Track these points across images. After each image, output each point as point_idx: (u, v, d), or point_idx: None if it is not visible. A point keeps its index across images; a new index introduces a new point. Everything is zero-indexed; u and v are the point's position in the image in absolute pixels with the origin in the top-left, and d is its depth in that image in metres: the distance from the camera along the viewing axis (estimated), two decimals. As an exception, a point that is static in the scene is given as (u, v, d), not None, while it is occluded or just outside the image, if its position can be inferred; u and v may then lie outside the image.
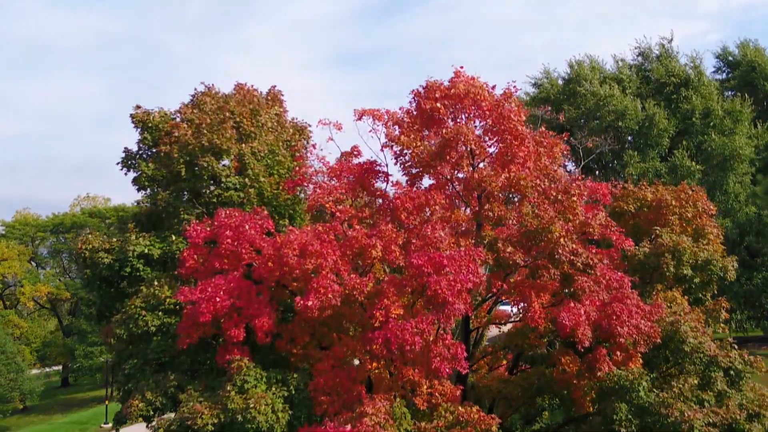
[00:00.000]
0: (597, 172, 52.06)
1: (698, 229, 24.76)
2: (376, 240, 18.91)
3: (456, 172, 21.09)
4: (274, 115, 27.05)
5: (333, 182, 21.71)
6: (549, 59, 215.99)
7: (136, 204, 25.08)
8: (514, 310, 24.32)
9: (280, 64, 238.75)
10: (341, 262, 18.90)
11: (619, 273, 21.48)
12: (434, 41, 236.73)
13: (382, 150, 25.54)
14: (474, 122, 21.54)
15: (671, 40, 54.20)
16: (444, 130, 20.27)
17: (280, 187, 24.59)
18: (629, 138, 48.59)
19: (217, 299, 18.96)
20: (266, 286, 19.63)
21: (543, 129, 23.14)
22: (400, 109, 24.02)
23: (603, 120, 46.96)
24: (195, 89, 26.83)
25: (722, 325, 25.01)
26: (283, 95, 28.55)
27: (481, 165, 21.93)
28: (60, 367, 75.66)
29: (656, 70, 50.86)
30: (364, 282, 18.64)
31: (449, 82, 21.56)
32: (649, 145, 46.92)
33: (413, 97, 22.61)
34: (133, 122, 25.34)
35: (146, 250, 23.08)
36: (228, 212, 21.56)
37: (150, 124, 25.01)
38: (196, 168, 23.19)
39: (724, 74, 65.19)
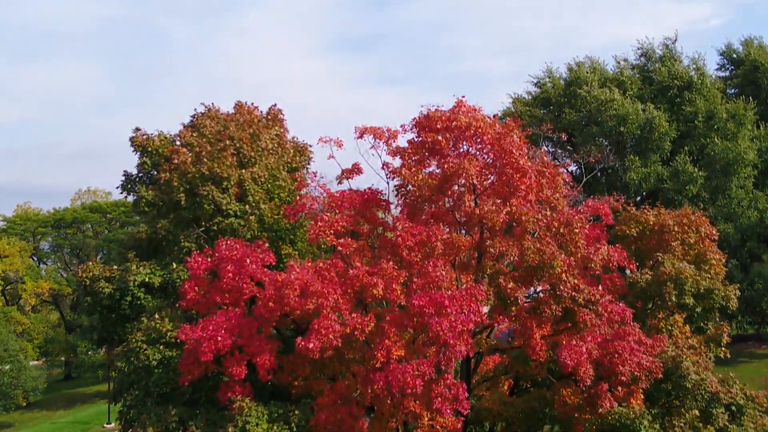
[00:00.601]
0: (599, 174, 51.81)
1: (700, 254, 24.66)
2: (378, 278, 18.85)
3: (458, 205, 20.93)
4: (275, 135, 26.93)
5: (334, 214, 21.54)
6: (550, 44, 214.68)
7: (135, 229, 24.89)
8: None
9: (280, 50, 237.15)
10: (342, 300, 18.87)
11: (620, 304, 21.42)
12: (435, 25, 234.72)
13: (383, 168, 25.53)
14: (475, 154, 21.34)
15: (675, 40, 53.79)
16: (446, 165, 20.12)
17: (281, 212, 24.51)
18: (630, 141, 48.23)
19: (219, 338, 18.96)
20: (267, 323, 19.60)
21: (545, 159, 22.92)
22: (401, 127, 23.88)
23: (604, 125, 46.63)
24: (195, 110, 26.72)
25: (724, 349, 25.00)
26: (283, 114, 28.44)
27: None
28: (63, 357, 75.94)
29: (659, 72, 50.44)
30: (365, 321, 18.62)
31: (450, 111, 21.37)
32: (650, 149, 46.64)
33: (414, 125, 22.45)
34: (132, 146, 25.22)
35: (147, 279, 23.07)
36: (229, 243, 21.49)
37: (150, 149, 24.91)
38: (197, 197, 23.09)
39: (728, 72, 64.76)
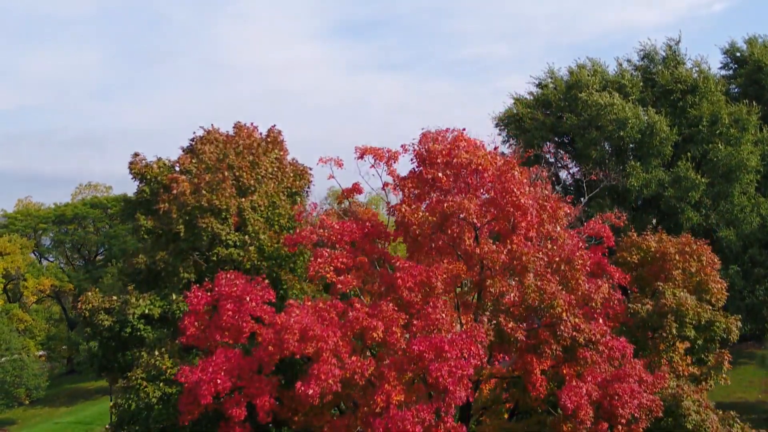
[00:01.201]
0: (601, 175, 51.47)
1: (702, 283, 24.59)
2: (378, 321, 18.81)
3: (458, 243, 20.79)
4: (274, 159, 26.74)
5: (334, 249, 21.45)
6: (553, 28, 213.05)
7: (133, 257, 24.67)
8: None
9: (280, 35, 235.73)
10: (342, 343, 18.84)
11: (621, 339, 21.39)
12: (436, 11, 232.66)
13: (383, 189, 25.42)
14: (476, 190, 21.17)
15: (678, 41, 53.19)
16: (446, 205, 19.98)
17: (281, 240, 24.40)
18: (631, 146, 47.94)
19: (218, 380, 18.98)
20: (267, 365, 19.57)
21: (547, 193, 22.69)
22: (402, 147, 23.71)
23: (604, 129, 46.28)
24: (194, 134, 26.48)
25: (725, 376, 25.01)
26: (282, 136, 28.20)
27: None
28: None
29: (662, 76, 49.91)
30: (365, 365, 18.62)
31: (451, 145, 21.18)
32: (651, 153, 46.31)
33: (414, 156, 22.34)
34: (131, 173, 25.06)
35: (147, 311, 23.03)
36: (228, 278, 21.44)
37: (148, 176, 24.73)
38: (196, 228, 22.98)
39: (731, 70, 64.21)
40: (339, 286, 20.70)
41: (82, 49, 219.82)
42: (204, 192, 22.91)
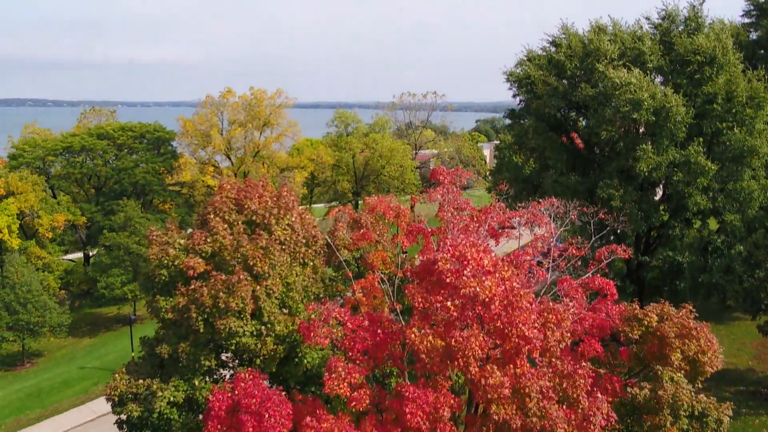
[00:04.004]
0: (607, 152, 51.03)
1: (699, 365, 25.70)
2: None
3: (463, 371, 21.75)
4: (287, 226, 27.11)
5: (348, 363, 22.51)
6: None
7: (158, 348, 25.66)
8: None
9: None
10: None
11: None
12: None
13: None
14: (482, 318, 21.83)
15: (702, 1, 50.90)
16: (453, 341, 20.78)
17: (296, 324, 25.39)
18: (644, 128, 47.31)
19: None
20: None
21: (552, 305, 23.31)
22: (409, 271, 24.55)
23: (618, 109, 45.50)
24: (206, 209, 26.75)
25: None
26: (292, 194, 28.37)
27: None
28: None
29: (681, 44, 48.23)
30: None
31: (456, 273, 21.60)
32: (664, 135, 45.81)
33: (421, 281, 22.98)
34: (149, 260, 25.61)
35: (172, 398, 24.45)
36: (246, 381, 22.73)
37: (166, 261, 25.31)
38: (215, 327, 23.93)
39: (753, 18, 61.88)
40: (353, 403, 21.94)
41: None
42: (221, 294, 23.63)
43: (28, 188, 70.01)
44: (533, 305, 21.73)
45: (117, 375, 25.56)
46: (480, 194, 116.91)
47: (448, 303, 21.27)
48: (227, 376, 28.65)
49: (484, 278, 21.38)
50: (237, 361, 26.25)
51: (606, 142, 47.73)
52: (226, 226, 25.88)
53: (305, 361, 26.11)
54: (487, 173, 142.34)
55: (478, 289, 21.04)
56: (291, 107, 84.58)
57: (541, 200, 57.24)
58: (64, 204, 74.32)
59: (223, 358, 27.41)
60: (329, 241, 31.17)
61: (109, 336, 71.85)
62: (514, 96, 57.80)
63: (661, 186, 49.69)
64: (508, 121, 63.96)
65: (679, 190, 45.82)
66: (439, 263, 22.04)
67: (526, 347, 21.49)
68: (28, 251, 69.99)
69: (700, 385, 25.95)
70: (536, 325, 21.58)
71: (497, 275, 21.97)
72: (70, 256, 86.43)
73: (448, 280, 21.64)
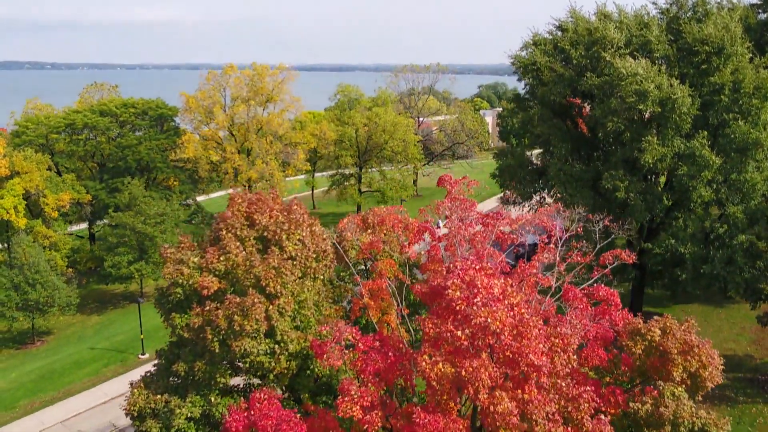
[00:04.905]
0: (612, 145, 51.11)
1: (699, 380, 26.42)
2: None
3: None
4: (297, 241, 27.56)
5: (359, 386, 23.20)
6: None
7: (176, 366, 26.32)
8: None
9: None
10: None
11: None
12: None
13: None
14: (492, 348, 22.40)
15: (712, -13, 50.46)
16: (463, 371, 21.40)
17: (308, 341, 26.05)
18: (649, 119, 47.35)
19: None
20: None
21: (558, 330, 23.88)
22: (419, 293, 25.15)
23: (624, 100, 45.47)
24: (218, 223, 27.15)
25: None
26: (302, 207, 28.78)
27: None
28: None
29: (689, 33, 47.92)
30: None
31: (467, 299, 22.11)
32: (669, 127, 45.90)
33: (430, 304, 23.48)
34: (164, 277, 26.11)
35: (189, 414, 25.25)
36: (263, 399, 23.50)
37: (181, 281, 25.82)
38: (229, 348, 24.58)
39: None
40: (366, 426, 22.70)
41: None
42: (236, 317, 24.20)
43: (32, 167, 70.19)
44: (541, 330, 22.30)
45: (135, 390, 26.32)
46: (481, 164, 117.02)
47: (459, 332, 21.80)
48: (240, 384, 29.47)
49: (494, 306, 21.88)
50: (251, 373, 26.91)
51: (611, 131, 47.86)
52: (238, 243, 26.33)
53: (317, 371, 26.85)
54: (490, 143, 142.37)
55: (489, 320, 21.56)
56: (292, 80, 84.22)
57: (545, 190, 57.80)
58: (69, 182, 74.52)
59: (239, 364, 28.07)
60: (337, 246, 31.72)
61: (116, 314, 72.86)
62: (519, 80, 57.75)
63: (665, 173, 49.94)
64: (513, 105, 63.90)
65: (683, 183, 46.11)
66: (450, 291, 22.53)
67: (534, 374, 22.14)
68: (34, 231, 70.51)
69: (700, 398, 26.73)
70: (544, 349, 22.19)
71: (506, 302, 22.48)
72: (74, 228, 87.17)
73: (458, 308, 22.17)
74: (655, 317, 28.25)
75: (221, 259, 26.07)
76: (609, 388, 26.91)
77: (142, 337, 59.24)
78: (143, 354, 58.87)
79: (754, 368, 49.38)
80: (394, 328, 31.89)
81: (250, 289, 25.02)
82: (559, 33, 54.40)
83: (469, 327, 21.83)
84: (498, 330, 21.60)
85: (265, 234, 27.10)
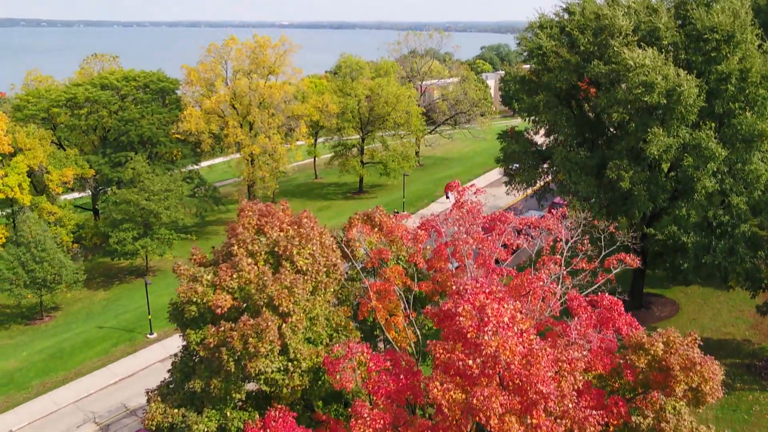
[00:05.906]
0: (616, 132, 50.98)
1: (701, 394, 27.14)
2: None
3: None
4: (308, 255, 27.96)
5: (371, 408, 23.92)
6: None
7: (190, 384, 26.97)
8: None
9: None
10: None
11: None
12: None
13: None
14: (501, 377, 23.03)
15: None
16: (474, 400, 22.07)
17: (321, 356, 26.69)
18: (656, 110, 47.16)
19: None
20: None
21: (565, 352, 24.50)
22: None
23: (631, 91, 45.26)
24: (229, 238, 27.52)
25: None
26: (313, 219, 29.12)
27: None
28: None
29: (698, 20, 47.34)
30: None
31: (477, 327, 22.65)
32: (675, 118, 45.80)
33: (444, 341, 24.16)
34: (178, 295, 26.59)
35: (206, 428, 26.03)
36: (278, 418, 24.29)
37: (194, 299, 26.29)
38: (243, 368, 25.22)
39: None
40: (378, 450, 23.51)
41: None
42: (250, 339, 24.75)
43: (35, 144, 70.09)
44: (549, 356, 22.93)
45: (153, 404, 27.04)
46: (483, 132, 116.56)
47: (470, 362, 22.43)
48: (253, 392, 30.19)
49: (504, 334, 22.45)
50: (266, 385, 27.57)
51: (616, 121, 47.80)
52: (250, 260, 26.74)
53: (327, 385, 27.59)
54: (493, 107, 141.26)
55: (499, 350, 22.14)
56: (295, 52, 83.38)
57: (550, 176, 57.89)
58: (72, 157, 74.47)
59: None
60: (345, 249, 32.19)
61: (123, 289, 73.67)
62: (524, 62, 57.37)
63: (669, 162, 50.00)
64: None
65: (689, 174, 46.23)
66: (461, 319, 23.07)
67: (541, 401, 22.84)
68: (39, 207, 70.81)
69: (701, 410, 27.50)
70: (551, 374, 22.85)
71: (515, 328, 23.05)
72: (76, 195, 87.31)
73: (469, 336, 22.75)
74: (659, 330, 28.88)
75: (234, 276, 26.50)
76: (612, 398, 27.64)
77: (150, 317, 60.07)
78: (151, 333, 59.82)
79: (752, 353, 50.29)
80: (402, 329, 32.59)
81: (264, 308, 25.53)
82: (566, 15, 53.74)
83: (480, 356, 22.42)
84: (508, 360, 22.18)
85: (276, 249, 27.47)
